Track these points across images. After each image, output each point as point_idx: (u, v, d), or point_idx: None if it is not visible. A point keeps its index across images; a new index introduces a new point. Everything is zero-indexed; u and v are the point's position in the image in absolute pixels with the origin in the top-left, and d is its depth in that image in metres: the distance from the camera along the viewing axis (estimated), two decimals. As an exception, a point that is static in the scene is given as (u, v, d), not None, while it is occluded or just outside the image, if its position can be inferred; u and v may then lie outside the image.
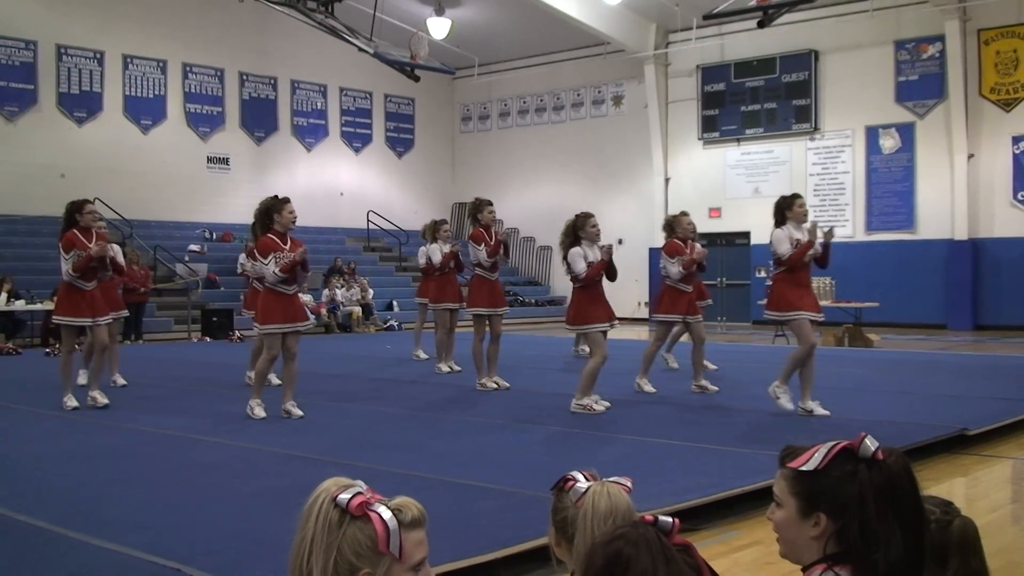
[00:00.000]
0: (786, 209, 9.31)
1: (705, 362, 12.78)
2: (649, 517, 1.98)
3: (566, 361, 14.88)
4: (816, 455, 2.15)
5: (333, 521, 1.95)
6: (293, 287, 9.44)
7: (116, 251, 10.89)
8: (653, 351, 11.37)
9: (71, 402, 10.07)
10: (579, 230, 9.53)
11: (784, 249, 9.18)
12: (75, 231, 10.14)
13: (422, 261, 14.03)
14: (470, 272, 13.18)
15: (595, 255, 9.45)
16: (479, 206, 11.80)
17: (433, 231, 13.77)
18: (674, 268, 11.04)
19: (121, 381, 11.79)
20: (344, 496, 1.97)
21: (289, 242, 9.38)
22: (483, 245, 11.49)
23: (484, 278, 11.69)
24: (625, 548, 1.90)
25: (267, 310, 9.42)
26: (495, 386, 11.44)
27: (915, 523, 2.10)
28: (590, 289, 9.48)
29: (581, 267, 9.38)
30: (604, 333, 9.55)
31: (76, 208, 10.34)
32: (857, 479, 2.10)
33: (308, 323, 9.76)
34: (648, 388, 11.01)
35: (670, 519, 1.96)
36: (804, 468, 2.15)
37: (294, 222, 9.49)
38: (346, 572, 1.95)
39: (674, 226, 11.48)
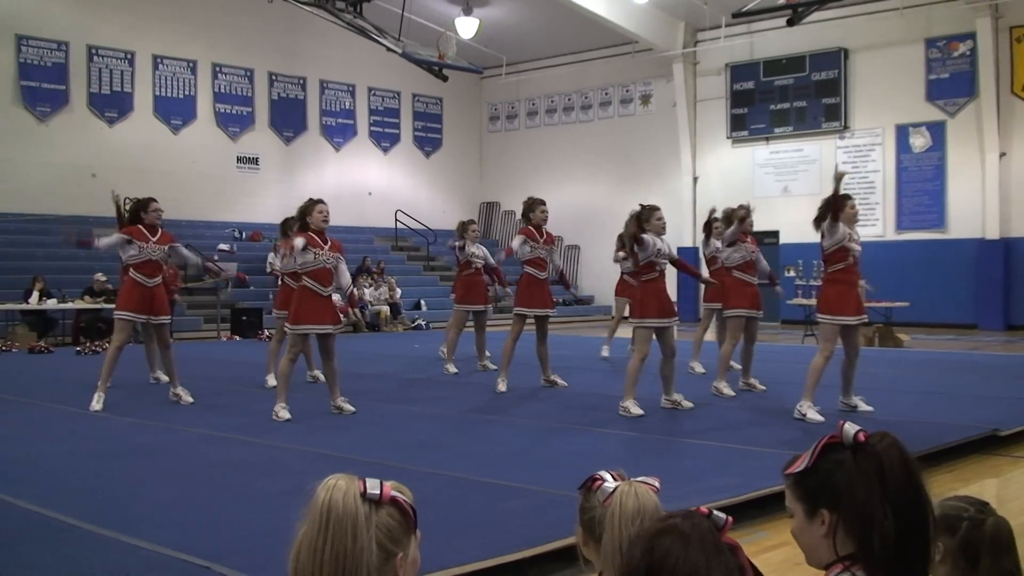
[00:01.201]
0: (838, 210, 9.20)
1: (695, 364, 13.20)
2: (704, 510, 1.98)
3: (594, 361, 14.85)
4: (807, 455, 2.17)
5: (366, 516, 1.96)
6: (328, 289, 9.45)
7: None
8: (747, 350, 11.20)
9: (97, 404, 10.01)
10: (644, 222, 9.52)
11: (830, 244, 9.11)
12: (140, 227, 10.32)
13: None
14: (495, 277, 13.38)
15: (662, 246, 9.45)
16: (532, 205, 11.62)
17: (461, 232, 13.73)
18: (734, 253, 11.01)
19: (165, 378, 11.80)
20: (375, 491, 1.99)
21: (329, 242, 9.51)
22: (528, 242, 11.42)
23: (534, 276, 11.52)
24: (677, 531, 1.90)
25: (299, 311, 9.43)
26: (504, 389, 11.36)
27: (910, 504, 2.08)
28: (650, 283, 9.43)
29: (645, 255, 9.42)
30: (657, 330, 9.45)
31: (142, 206, 10.48)
32: (844, 466, 2.10)
33: (339, 325, 9.72)
34: (727, 391, 10.86)
35: (724, 515, 1.96)
36: (798, 470, 2.17)
37: (325, 221, 9.49)
38: (382, 561, 1.97)
39: (731, 218, 11.32)
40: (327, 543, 1.94)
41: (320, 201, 9.61)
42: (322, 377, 11.63)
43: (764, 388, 11.14)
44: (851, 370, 9.36)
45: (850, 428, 2.13)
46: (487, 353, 13.69)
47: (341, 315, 9.99)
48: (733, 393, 10.76)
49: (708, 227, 13.15)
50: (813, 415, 8.94)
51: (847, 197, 9.38)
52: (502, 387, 11.24)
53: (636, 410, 9.33)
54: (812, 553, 2.19)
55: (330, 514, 1.96)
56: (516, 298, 11.67)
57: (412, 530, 2.02)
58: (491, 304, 14.05)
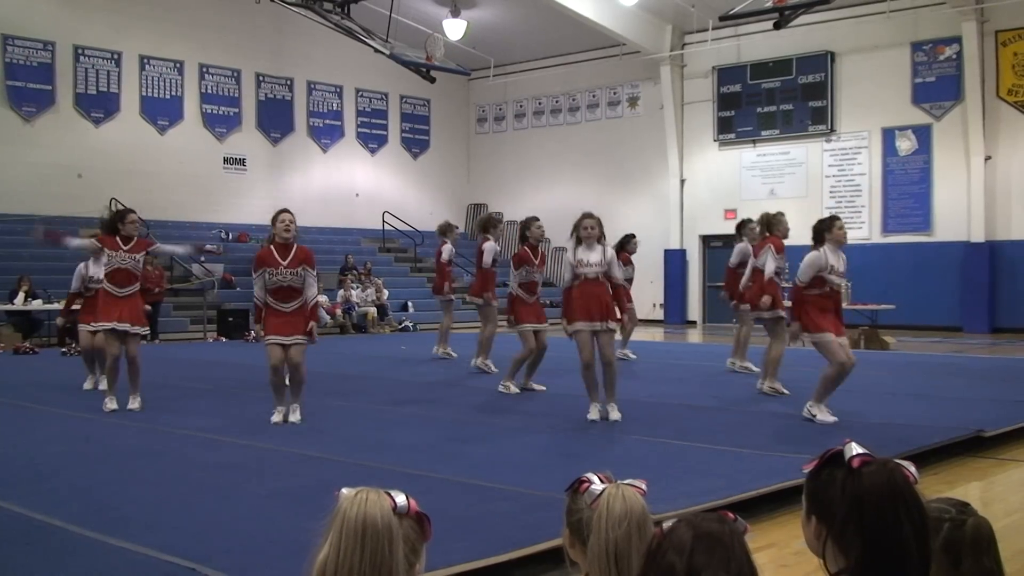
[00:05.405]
0: (826, 231, 9.13)
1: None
2: (730, 514, 2.01)
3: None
4: (816, 459, 2.18)
5: (398, 529, 1.99)
6: (289, 305, 9.16)
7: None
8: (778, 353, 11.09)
9: (111, 404, 10.02)
10: (575, 230, 9.36)
11: (806, 277, 9.05)
12: (116, 238, 10.16)
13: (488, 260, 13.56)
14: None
15: (585, 255, 9.27)
16: (528, 223, 11.52)
17: (486, 227, 13.92)
18: (772, 265, 11.01)
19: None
20: (403, 504, 2.04)
21: (294, 250, 9.20)
22: (524, 267, 11.40)
23: (523, 299, 11.51)
24: (714, 537, 1.92)
25: (267, 324, 9.26)
26: (517, 390, 11.41)
27: (881, 543, 2.04)
28: (574, 289, 9.30)
29: (567, 276, 9.36)
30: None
31: (119, 218, 10.36)
32: (835, 484, 2.11)
33: (306, 337, 9.26)
34: (783, 390, 10.85)
35: (744, 521, 2.00)
36: (805, 470, 2.20)
37: (287, 231, 9.18)
38: (406, 571, 2.02)
39: (773, 225, 11.38)
40: (364, 557, 1.96)
41: (283, 211, 9.37)
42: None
43: (757, 369, 11.30)
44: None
45: (851, 449, 2.12)
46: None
47: (326, 314, 9.83)
48: (787, 392, 10.77)
49: (740, 229, 13.06)
50: (823, 416, 8.93)
51: (834, 219, 9.32)
52: (514, 388, 11.39)
53: (593, 414, 9.30)
54: (808, 545, 2.23)
55: (366, 528, 1.97)
56: (516, 316, 11.54)
57: (426, 540, 2.08)
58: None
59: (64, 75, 23.71)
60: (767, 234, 11.42)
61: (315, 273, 9.39)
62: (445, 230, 15.16)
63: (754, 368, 12.77)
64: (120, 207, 10.84)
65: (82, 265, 12.05)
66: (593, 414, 9.30)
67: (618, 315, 9.42)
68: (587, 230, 9.28)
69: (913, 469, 2.13)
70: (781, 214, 11.61)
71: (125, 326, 10.08)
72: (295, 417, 9.19)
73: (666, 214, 27.27)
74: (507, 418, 9.60)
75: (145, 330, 10.53)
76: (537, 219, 11.62)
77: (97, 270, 10.21)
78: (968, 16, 21.97)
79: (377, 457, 7.42)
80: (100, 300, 10.21)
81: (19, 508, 5.81)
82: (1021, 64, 21.97)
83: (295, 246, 9.26)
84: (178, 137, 25.70)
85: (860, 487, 2.07)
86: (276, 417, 9.22)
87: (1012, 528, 5.71)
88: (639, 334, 22.08)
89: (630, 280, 14.79)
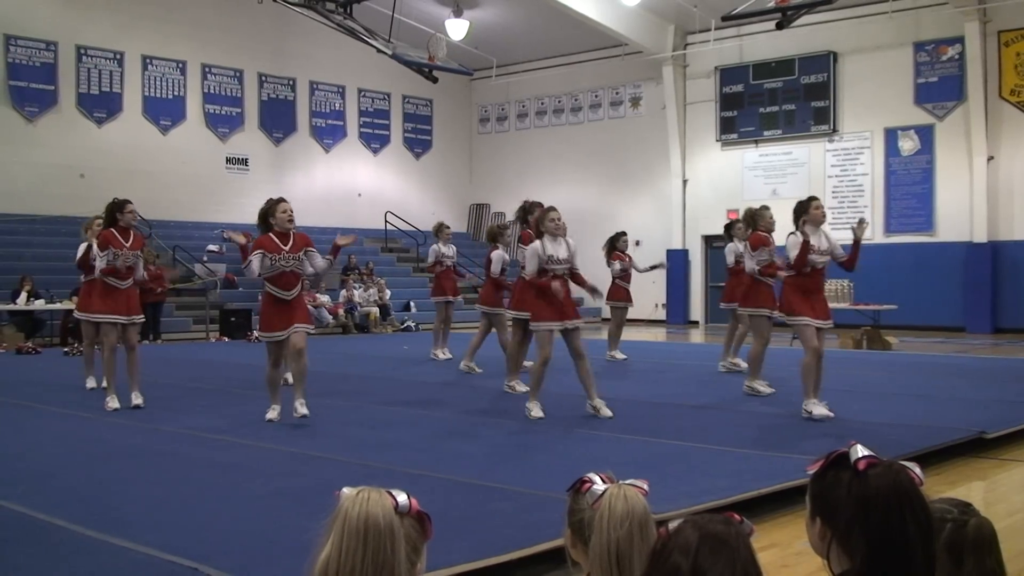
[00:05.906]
0: (803, 213, 9.24)
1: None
2: (736, 516, 2.00)
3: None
4: (820, 460, 2.18)
5: (400, 528, 1.99)
6: (291, 292, 9.22)
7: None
8: (759, 351, 10.84)
9: (113, 403, 10.00)
10: (540, 224, 9.36)
11: (795, 253, 9.13)
12: (113, 230, 10.22)
13: (496, 269, 13.13)
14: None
15: (554, 250, 9.24)
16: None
17: (494, 237, 13.72)
18: (751, 263, 10.91)
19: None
20: (404, 503, 2.04)
21: (292, 239, 9.21)
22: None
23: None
24: (719, 539, 1.92)
25: (265, 318, 9.30)
26: (525, 389, 11.35)
27: (887, 544, 2.04)
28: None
29: (531, 268, 9.29)
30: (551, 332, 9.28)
31: (117, 207, 10.37)
32: (841, 486, 2.11)
33: (308, 326, 9.36)
34: (764, 389, 10.72)
35: (750, 523, 1.99)
36: (809, 472, 2.20)
37: (290, 220, 9.22)
38: (408, 571, 2.02)
39: (756, 219, 11.25)
40: (366, 556, 1.96)
41: (282, 200, 9.38)
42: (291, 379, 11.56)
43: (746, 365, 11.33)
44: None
45: (856, 451, 2.12)
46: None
47: (328, 315, 9.80)
48: (771, 390, 10.70)
49: (729, 229, 13.25)
50: (820, 411, 8.95)
51: (811, 199, 9.43)
52: (520, 387, 11.22)
53: (537, 412, 9.24)
54: (813, 547, 2.23)
55: (368, 527, 1.97)
56: (512, 301, 11.37)
57: (427, 539, 2.08)
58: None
59: (66, 75, 23.72)
60: (751, 230, 11.39)
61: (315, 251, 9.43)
62: (436, 231, 15.37)
63: (742, 364, 12.77)
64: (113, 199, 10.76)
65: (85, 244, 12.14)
66: (536, 412, 9.24)
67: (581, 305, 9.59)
68: (554, 223, 9.23)
69: (918, 471, 2.13)
70: (765, 208, 11.41)
71: (124, 319, 10.20)
72: (303, 410, 9.03)
73: (668, 214, 27.26)
74: (507, 418, 9.58)
75: (141, 318, 10.60)
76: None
77: (99, 263, 10.21)
78: (971, 16, 21.95)
79: (377, 457, 7.41)
80: (100, 292, 10.24)
81: (19, 508, 5.80)
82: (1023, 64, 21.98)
83: (293, 233, 9.27)
84: (180, 137, 25.71)
85: (866, 489, 2.06)
86: (271, 414, 9.20)
87: (1014, 528, 5.70)
88: (640, 334, 22.12)
89: (627, 276, 14.84)
